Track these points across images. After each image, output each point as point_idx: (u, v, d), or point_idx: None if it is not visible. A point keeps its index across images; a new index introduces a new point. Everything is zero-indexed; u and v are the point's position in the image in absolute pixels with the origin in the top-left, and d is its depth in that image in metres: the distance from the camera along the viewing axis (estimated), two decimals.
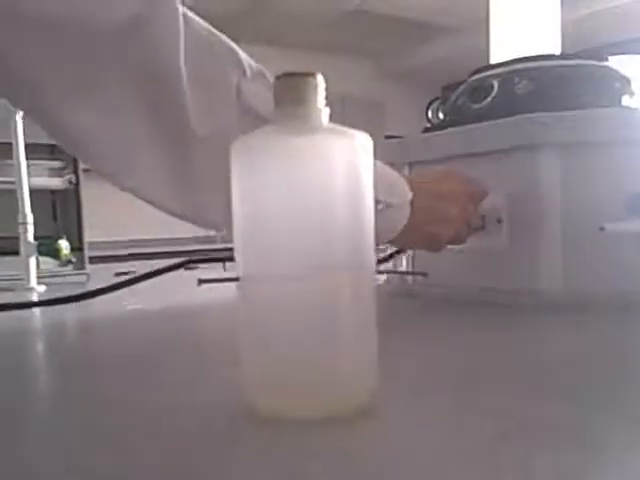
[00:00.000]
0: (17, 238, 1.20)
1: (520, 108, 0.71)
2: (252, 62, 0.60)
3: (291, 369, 0.33)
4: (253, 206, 0.34)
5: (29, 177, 1.26)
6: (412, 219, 0.63)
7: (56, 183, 3.10)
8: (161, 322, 0.75)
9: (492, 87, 0.78)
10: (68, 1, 0.50)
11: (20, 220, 1.20)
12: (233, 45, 0.59)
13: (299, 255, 0.33)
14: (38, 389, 0.47)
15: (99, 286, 0.67)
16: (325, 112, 0.35)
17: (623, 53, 0.81)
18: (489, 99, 0.77)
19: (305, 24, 3.95)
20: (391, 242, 0.67)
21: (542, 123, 0.68)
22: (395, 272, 0.82)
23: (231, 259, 0.35)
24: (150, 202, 0.58)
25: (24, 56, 0.51)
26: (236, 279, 0.34)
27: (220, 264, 0.81)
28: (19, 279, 1.18)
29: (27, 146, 1.28)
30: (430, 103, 0.92)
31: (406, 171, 0.84)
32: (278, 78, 0.35)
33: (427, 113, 0.92)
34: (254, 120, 0.57)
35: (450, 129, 0.79)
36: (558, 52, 0.89)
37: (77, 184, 3.11)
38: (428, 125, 0.89)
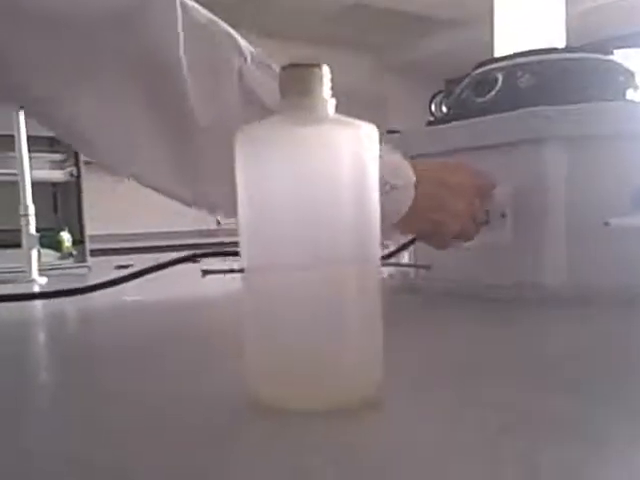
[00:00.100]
0: (18, 231, 1.20)
1: (524, 102, 0.70)
2: (252, 49, 0.60)
3: (296, 360, 0.33)
4: (258, 196, 0.33)
5: (30, 170, 1.26)
6: (416, 204, 0.63)
7: (57, 176, 3.11)
8: (163, 314, 0.75)
9: (496, 81, 0.77)
10: None
11: (22, 212, 1.20)
12: (232, 32, 0.59)
13: (304, 246, 0.33)
14: (39, 380, 0.47)
15: (100, 279, 0.67)
16: (331, 103, 0.35)
17: (629, 46, 0.81)
18: (493, 93, 0.77)
19: (305, 17, 3.93)
20: (395, 228, 0.67)
21: (546, 117, 0.68)
22: (399, 265, 0.81)
23: (236, 254, 0.35)
24: (153, 188, 0.59)
25: (23, 50, 0.51)
26: (240, 270, 0.34)
27: (223, 258, 0.80)
28: (21, 271, 1.18)
29: (28, 138, 1.28)
30: (433, 97, 0.92)
31: None
32: (284, 69, 0.35)
33: (430, 107, 0.92)
34: (257, 109, 0.57)
35: (454, 122, 0.78)
36: (563, 45, 0.88)
37: (78, 177, 3.11)
38: (431, 119, 0.89)
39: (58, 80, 0.52)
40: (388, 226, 0.65)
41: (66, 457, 0.30)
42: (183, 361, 0.49)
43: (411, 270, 0.84)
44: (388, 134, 0.90)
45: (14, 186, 1.21)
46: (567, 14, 0.91)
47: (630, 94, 0.76)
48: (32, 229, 1.19)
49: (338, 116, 0.35)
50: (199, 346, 0.55)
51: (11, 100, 0.62)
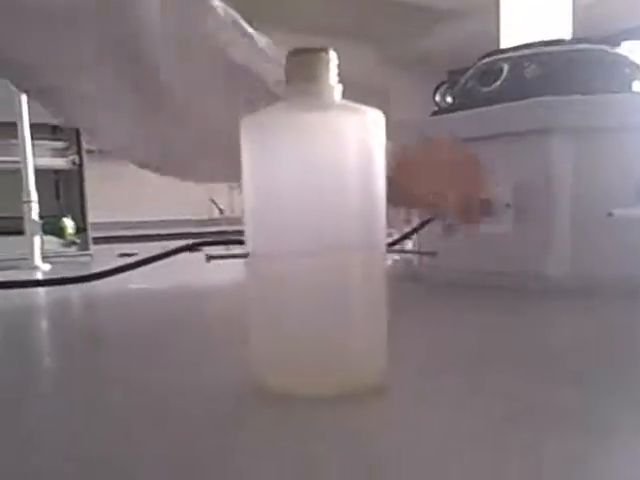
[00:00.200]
0: (21, 218, 1.20)
1: (529, 92, 0.70)
2: (253, 32, 0.62)
3: (301, 347, 0.33)
4: (264, 183, 0.33)
5: (33, 157, 1.26)
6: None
7: (59, 163, 3.10)
8: (168, 302, 0.75)
9: (502, 71, 0.77)
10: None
11: (24, 198, 1.20)
12: (224, 10, 0.61)
13: (310, 232, 0.33)
14: (43, 366, 0.47)
15: (103, 266, 0.67)
16: (337, 89, 0.35)
17: (635, 39, 0.80)
18: (498, 83, 0.77)
19: (307, 7, 3.91)
20: None
21: (552, 107, 0.68)
22: (404, 251, 0.81)
23: (240, 242, 0.35)
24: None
25: (26, 41, 0.53)
26: (245, 255, 0.34)
27: (226, 246, 0.81)
28: (24, 258, 1.18)
29: (31, 126, 1.28)
30: (438, 87, 0.91)
31: None
32: (290, 54, 0.34)
33: (434, 96, 0.91)
34: (245, 82, 0.59)
35: (459, 112, 0.78)
36: (569, 37, 0.88)
37: (81, 165, 3.10)
38: (436, 109, 0.89)
39: (59, 70, 0.54)
40: None
41: (69, 444, 0.30)
42: (188, 348, 0.49)
43: (415, 258, 0.84)
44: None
45: (17, 174, 1.21)
46: (573, 6, 0.91)
47: (636, 86, 0.76)
48: (35, 215, 1.19)
49: (345, 102, 0.35)
50: (204, 333, 0.55)
51: (16, 86, 0.63)
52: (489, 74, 0.78)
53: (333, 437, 0.29)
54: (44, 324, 0.65)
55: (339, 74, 0.35)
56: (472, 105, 0.76)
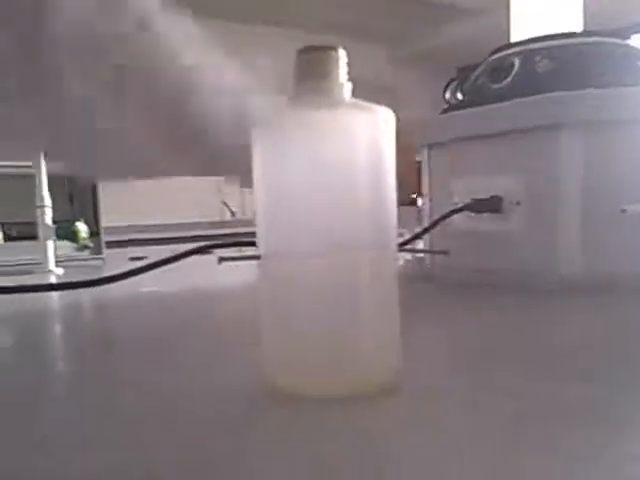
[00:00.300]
0: (34, 223, 1.21)
1: (541, 87, 0.69)
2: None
3: (313, 347, 0.33)
4: (275, 182, 0.33)
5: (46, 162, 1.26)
6: None
7: None
8: (180, 304, 0.75)
9: (512, 66, 0.76)
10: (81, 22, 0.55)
11: (38, 203, 1.20)
12: None
13: (321, 232, 0.32)
14: (56, 370, 0.47)
15: (115, 270, 0.67)
16: (347, 87, 0.34)
17: None
18: (509, 79, 0.76)
19: (315, 5, 3.91)
20: None
21: (563, 102, 0.67)
22: (416, 250, 0.81)
23: (252, 244, 0.35)
24: None
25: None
26: (257, 257, 0.34)
27: (238, 249, 0.81)
28: (37, 263, 1.19)
29: None
30: (448, 84, 0.91)
31: (425, 153, 0.83)
32: (300, 52, 0.34)
33: (444, 94, 0.91)
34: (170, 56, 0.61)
35: (469, 109, 0.77)
36: (580, 30, 0.87)
37: None
38: (445, 106, 0.88)
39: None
40: None
41: (81, 447, 0.30)
42: (199, 350, 0.49)
43: (427, 257, 0.83)
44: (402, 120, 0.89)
45: (30, 179, 1.21)
46: (585, 0, 0.90)
47: None
48: (48, 220, 1.20)
49: (354, 100, 0.34)
50: (215, 335, 0.55)
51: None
52: (500, 70, 0.78)
53: (344, 437, 0.29)
54: (57, 328, 0.65)
55: (348, 72, 0.35)
56: (483, 102, 0.76)
